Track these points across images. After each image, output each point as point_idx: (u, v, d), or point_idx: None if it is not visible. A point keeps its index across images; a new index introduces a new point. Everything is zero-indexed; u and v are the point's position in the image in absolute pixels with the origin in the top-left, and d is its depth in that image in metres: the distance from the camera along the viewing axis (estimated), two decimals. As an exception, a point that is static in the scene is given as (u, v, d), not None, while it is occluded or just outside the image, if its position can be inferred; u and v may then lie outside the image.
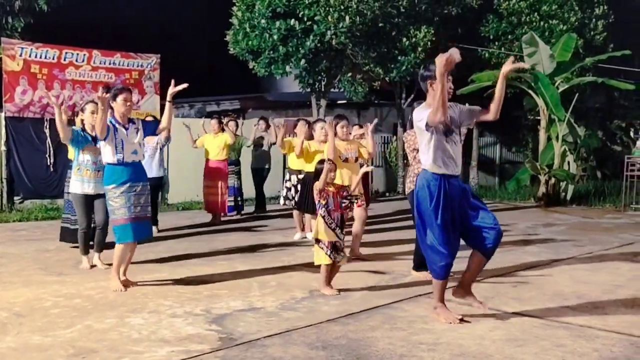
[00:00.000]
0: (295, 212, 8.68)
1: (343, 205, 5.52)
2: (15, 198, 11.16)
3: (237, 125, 10.83)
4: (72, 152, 7.10)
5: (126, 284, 5.61)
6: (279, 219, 10.56)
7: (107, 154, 5.54)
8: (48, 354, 3.91)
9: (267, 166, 11.34)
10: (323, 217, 5.39)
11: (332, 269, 5.52)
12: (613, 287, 5.92)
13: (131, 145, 5.58)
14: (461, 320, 4.60)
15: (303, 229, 8.60)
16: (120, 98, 5.56)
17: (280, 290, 5.63)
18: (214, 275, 6.23)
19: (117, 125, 5.55)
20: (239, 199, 10.96)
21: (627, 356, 3.99)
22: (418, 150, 6.06)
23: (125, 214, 5.46)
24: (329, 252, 5.36)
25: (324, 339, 4.24)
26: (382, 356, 3.92)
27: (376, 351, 4.00)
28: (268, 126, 11.31)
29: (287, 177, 8.67)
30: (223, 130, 10.20)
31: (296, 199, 8.38)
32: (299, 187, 8.27)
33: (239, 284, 5.89)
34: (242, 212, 11.14)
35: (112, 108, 5.56)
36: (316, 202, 5.51)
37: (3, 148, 11.06)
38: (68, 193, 7.14)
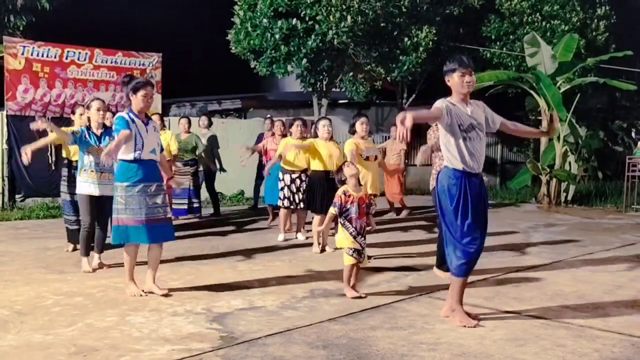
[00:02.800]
0: (282, 212, 8.40)
1: (368, 211, 5.42)
2: (17, 196, 11.17)
3: (189, 123, 10.25)
4: (67, 151, 7.10)
5: (150, 290, 5.35)
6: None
7: (124, 150, 5.15)
8: (49, 352, 3.92)
9: (212, 167, 10.69)
10: (343, 224, 5.29)
11: (355, 271, 5.41)
12: (614, 287, 5.92)
13: (150, 144, 5.25)
14: (477, 325, 4.51)
15: (289, 230, 8.52)
16: (140, 93, 5.17)
17: (281, 290, 5.64)
18: (215, 274, 6.23)
19: (136, 119, 5.19)
20: (194, 200, 10.16)
21: (628, 357, 3.99)
22: (438, 148, 6.05)
23: (137, 215, 5.13)
24: (351, 253, 5.29)
25: (325, 338, 4.24)
26: (383, 355, 3.92)
27: (377, 351, 4.01)
28: (210, 123, 11.09)
29: (279, 176, 8.37)
30: (164, 127, 9.46)
31: (291, 198, 8.18)
32: (292, 186, 8.13)
33: (240, 283, 5.89)
34: (198, 214, 10.35)
35: (130, 101, 5.24)
36: (333, 203, 5.35)
37: (5, 146, 11.06)
38: (67, 193, 7.05)
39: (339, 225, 5.34)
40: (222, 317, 4.73)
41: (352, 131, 7.32)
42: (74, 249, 7.16)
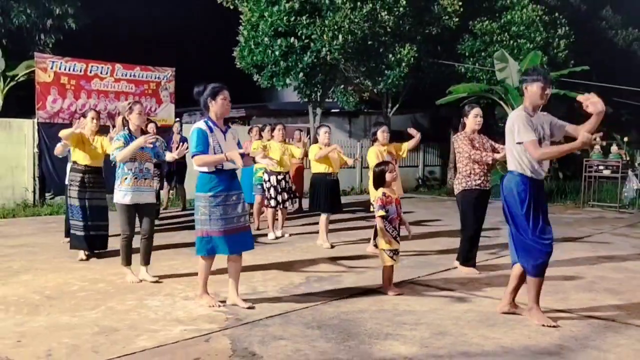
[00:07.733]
0: (270, 212, 8.04)
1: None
2: (47, 194, 11.12)
3: (156, 126, 9.00)
4: (79, 155, 6.28)
5: (234, 303, 4.62)
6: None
7: None
8: (75, 332, 3.90)
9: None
10: (384, 226, 4.92)
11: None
12: (573, 274, 5.95)
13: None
14: (555, 326, 4.15)
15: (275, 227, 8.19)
16: (220, 97, 4.43)
17: (281, 277, 5.63)
18: (222, 263, 6.18)
19: (215, 128, 4.45)
20: (156, 202, 9.00)
21: (585, 335, 4.01)
22: (460, 153, 5.87)
23: (221, 226, 4.44)
24: (391, 255, 4.94)
25: (319, 320, 4.24)
26: (370, 334, 3.92)
27: (365, 330, 4.01)
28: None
29: (265, 177, 8.07)
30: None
31: (278, 198, 7.90)
32: (278, 187, 7.90)
33: (244, 270, 5.85)
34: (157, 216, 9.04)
35: (207, 109, 4.49)
36: (375, 207, 5.05)
37: (36, 150, 11.03)
38: (77, 198, 6.24)
39: (379, 227, 4.95)
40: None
41: (374, 139, 6.81)
42: (88, 257, 6.35)
